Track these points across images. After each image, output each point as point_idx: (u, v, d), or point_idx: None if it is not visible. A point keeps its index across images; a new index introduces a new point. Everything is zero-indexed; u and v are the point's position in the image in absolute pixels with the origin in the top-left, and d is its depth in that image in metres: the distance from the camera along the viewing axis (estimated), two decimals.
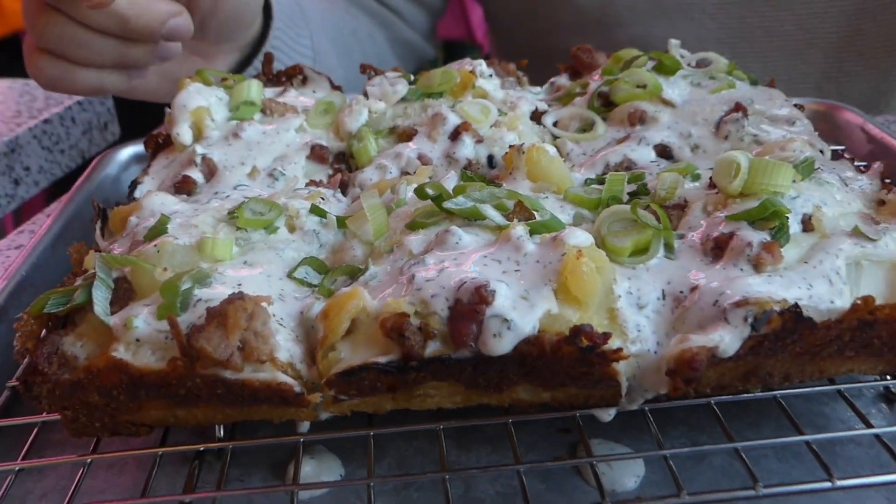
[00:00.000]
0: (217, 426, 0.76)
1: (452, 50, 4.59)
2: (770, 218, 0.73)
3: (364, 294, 0.69)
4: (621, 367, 0.66)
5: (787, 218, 0.72)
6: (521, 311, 0.66)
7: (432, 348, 0.66)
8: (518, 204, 0.79)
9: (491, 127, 1.01)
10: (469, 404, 0.73)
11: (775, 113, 1.02)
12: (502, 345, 0.65)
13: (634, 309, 0.70)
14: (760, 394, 0.76)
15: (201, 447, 0.75)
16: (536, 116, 1.07)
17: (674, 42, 1.13)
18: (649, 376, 0.68)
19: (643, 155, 0.96)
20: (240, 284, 0.72)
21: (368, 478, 0.69)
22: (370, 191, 0.82)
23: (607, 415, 0.73)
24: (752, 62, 1.59)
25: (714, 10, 1.59)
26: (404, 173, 0.95)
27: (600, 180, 0.91)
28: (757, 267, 0.70)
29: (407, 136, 1.01)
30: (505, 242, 0.72)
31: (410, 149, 0.98)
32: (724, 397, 0.75)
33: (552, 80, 1.16)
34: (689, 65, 1.12)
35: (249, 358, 0.65)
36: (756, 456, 0.76)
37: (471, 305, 0.65)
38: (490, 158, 0.98)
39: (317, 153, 1.00)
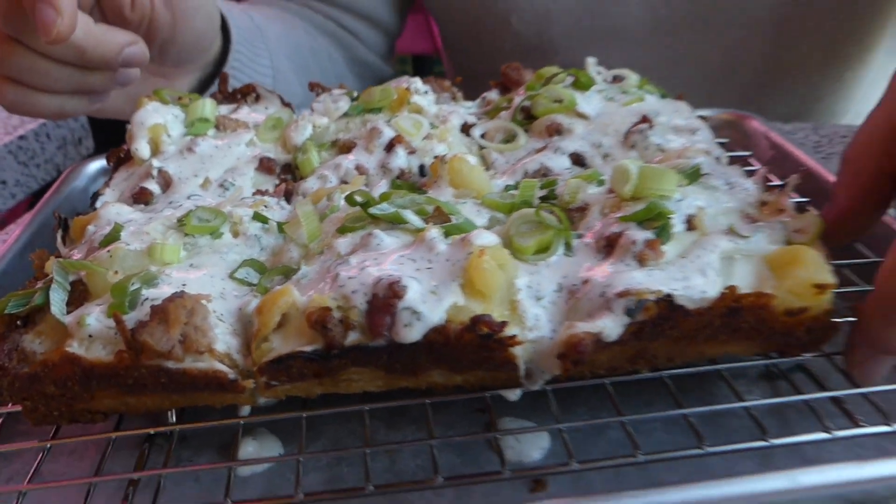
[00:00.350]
0: (170, 412, 0.80)
1: (420, 64, 4.65)
2: (655, 218, 0.77)
3: (294, 291, 0.73)
4: (518, 351, 0.71)
5: (670, 219, 0.77)
6: (430, 304, 0.70)
7: (352, 338, 0.70)
8: (436, 209, 0.83)
9: (423, 139, 1.05)
10: (392, 388, 0.77)
11: (679, 124, 1.07)
12: (412, 333, 0.69)
13: (533, 301, 0.75)
14: (652, 374, 0.80)
15: (152, 431, 0.78)
16: (466, 129, 1.12)
17: (590, 60, 1.18)
18: (545, 360, 0.73)
19: (558, 163, 1.00)
20: (184, 285, 0.75)
21: (298, 453, 0.73)
22: (305, 199, 0.86)
23: (513, 395, 0.78)
24: (680, 86, 1.64)
25: (643, 37, 1.64)
26: (343, 182, 0.99)
27: (517, 186, 0.95)
28: (641, 262, 0.75)
29: (347, 148, 1.05)
30: (420, 243, 0.76)
31: (349, 160, 1.02)
32: (618, 378, 0.80)
33: (483, 95, 1.20)
34: (605, 81, 1.17)
35: (189, 349, 0.69)
36: (648, 429, 0.81)
37: (385, 299, 0.69)
38: (421, 168, 1.02)
39: (265, 165, 1.04)
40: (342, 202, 0.88)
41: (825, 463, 0.68)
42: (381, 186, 0.95)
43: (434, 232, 0.77)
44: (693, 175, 0.86)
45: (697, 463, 0.74)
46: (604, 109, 1.09)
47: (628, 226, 0.78)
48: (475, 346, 0.69)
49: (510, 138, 1.08)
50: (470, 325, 0.68)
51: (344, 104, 1.12)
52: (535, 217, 0.81)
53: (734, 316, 0.72)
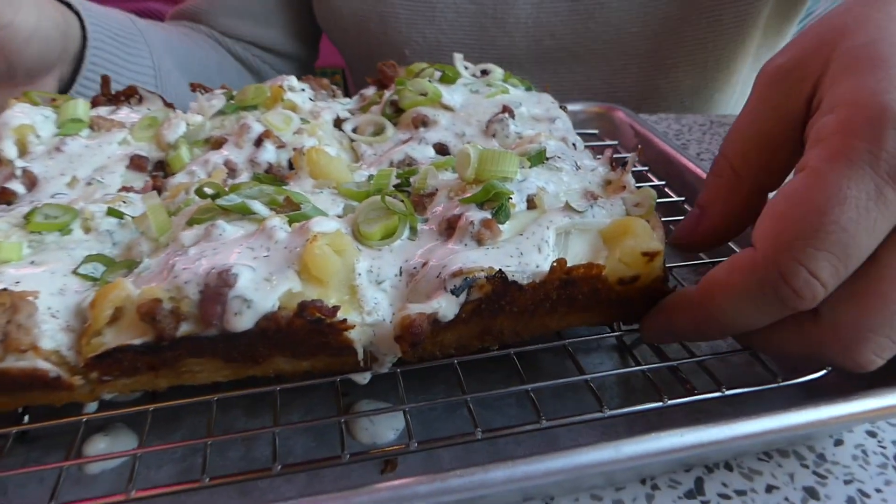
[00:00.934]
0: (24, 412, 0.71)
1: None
2: (494, 199, 0.72)
3: (127, 284, 0.65)
4: (354, 335, 0.64)
5: (509, 199, 0.71)
6: (262, 292, 0.62)
7: (185, 328, 0.62)
8: (287, 198, 0.76)
9: (294, 133, 0.97)
10: (240, 377, 0.70)
11: (539, 113, 1.02)
12: (243, 322, 0.61)
13: (373, 285, 0.68)
14: (501, 351, 0.75)
15: None
16: (339, 124, 1.04)
17: (458, 56, 1.11)
18: (385, 343, 0.66)
19: (423, 153, 0.94)
20: (18, 282, 0.66)
21: (139, 448, 0.65)
22: (151, 193, 0.78)
23: (363, 378, 0.71)
24: (576, 76, 1.59)
25: (530, 66, 1.59)
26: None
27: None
28: (479, 242, 0.69)
29: (218, 144, 0.97)
30: (261, 232, 0.69)
31: (219, 155, 0.94)
32: (467, 357, 0.74)
33: (360, 92, 1.13)
34: (473, 75, 1.11)
35: (10, 348, 0.60)
36: (501, 405, 0.76)
37: (216, 289, 0.62)
38: (290, 162, 0.95)
39: (136, 163, 0.95)
40: (196, 197, 0.80)
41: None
42: (244, 179, 0.87)
43: (276, 220, 0.69)
44: (537, 157, 0.81)
45: (544, 435, 0.69)
46: (468, 101, 1.03)
47: (468, 207, 0.72)
48: (308, 331, 0.62)
49: (379, 131, 1.02)
50: (298, 310, 0.61)
51: (219, 102, 1.03)
52: (382, 203, 0.74)
53: (568, 288, 0.66)
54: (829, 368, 0.71)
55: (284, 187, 0.84)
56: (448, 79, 1.06)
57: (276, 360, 0.68)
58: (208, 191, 0.76)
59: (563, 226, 0.70)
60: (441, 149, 0.96)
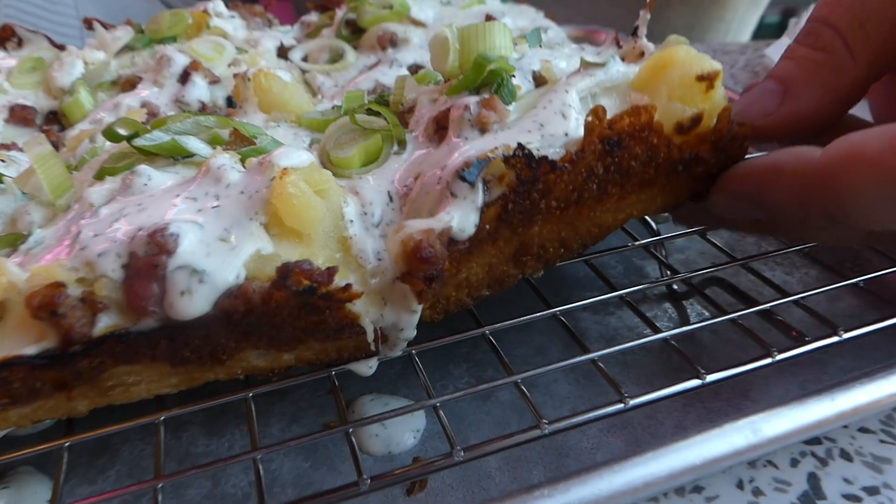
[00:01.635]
0: None
1: None
2: (490, 78, 0.53)
3: (7, 266, 0.43)
4: (360, 307, 0.45)
5: (510, 75, 0.53)
6: (218, 257, 0.42)
7: (105, 323, 0.42)
8: (234, 132, 0.55)
9: (229, 66, 0.76)
10: (195, 385, 0.50)
11: (525, 25, 0.84)
12: (195, 304, 0.41)
13: (372, 232, 0.49)
14: (540, 313, 0.57)
15: None
16: (283, 53, 0.83)
17: None
18: (396, 298, 0.47)
19: (396, 76, 0.74)
20: None
21: (52, 500, 0.44)
22: (37, 138, 0.55)
23: (367, 367, 0.52)
24: (556, 19, 1.41)
25: None
26: None
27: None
28: (482, 129, 0.50)
29: (130, 84, 0.75)
30: (205, 176, 0.48)
31: (133, 97, 0.72)
32: (499, 325, 0.55)
33: (302, 19, 0.92)
34: None
35: None
36: (546, 382, 0.58)
37: (148, 259, 0.41)
38: (230, 100, 0.74)
39: (18, 115, 0.72)
40: (107, 143, 0.58)
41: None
42: None
43: (223, 158, 0.49)
44: (534, 36, 0.65)
45: (620, 419, 0.52)
46: (441, 14, 0.84)
47: (459, 96, 0.53)
48: (294, 308, 0.43)
49: (337, 57, 0.81)
50: (279, 278, 0.41)
51: (125, 34, 0.80)
52: (354, 124, 0.54)
53: (616, 154, 0.48)
54: None
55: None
56: None
57: (245, 356, 0.48)
58: (122, 131, 0.54)
59: (585, 86, 0.52)
60: (417, 71, 0.76)
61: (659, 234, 0.68)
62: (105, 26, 0.87)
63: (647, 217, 0.71)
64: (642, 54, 0.59)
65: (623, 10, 1.41)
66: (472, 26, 0.57)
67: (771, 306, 0.55)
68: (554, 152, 0.48)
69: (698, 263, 0.71)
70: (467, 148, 0.49)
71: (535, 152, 0.47)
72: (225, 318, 0.42)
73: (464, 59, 0.56)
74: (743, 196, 0.53)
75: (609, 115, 0.49)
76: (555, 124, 0.50)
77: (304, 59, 0.82)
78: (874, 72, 0.54)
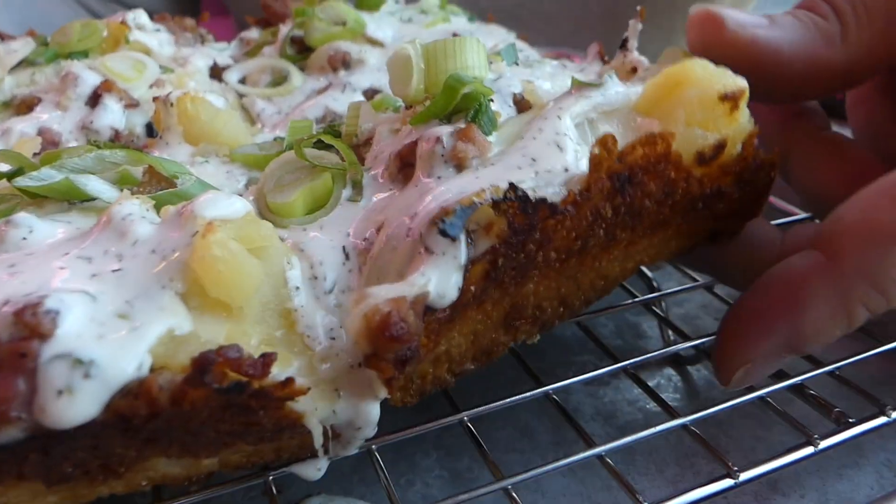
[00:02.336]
0: None
1: None
2: (465, 103, 0.44)
3: None
4: (305, 404, 0.34)
5: (488, 99, 0.45)
6: (114, 342, 0.32)
7: None
8: (150, 170, 0.45)
9: (150, 87, 0.65)
10: (85, 500, 0.38)
11: (496, 45, 0.75)
12: (78, 407, 0.30)
13: (323, 302, 0.38)
14: (529, 393, 0.47)
15: None
16: (217, 73, 0.73)
17: None
18: (356, 384, 0.37)
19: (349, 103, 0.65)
20: None
21: None
22: None
23: (315, 470, 0.41)
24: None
25: None
26: None
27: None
28: (459, 166, 0.41)
29: (27, 106, 0.63)
30: (105, 228, 0.38)
31: (28, 122, 0.60)
32: (479, 410, 0.45)
33: (241, 35, 0.81)
34: (396, 1, 0.82)
35: None
36: (544, 482, 0.48)
37: (13, 344, 0.30)
38: (150, 128, 0.63)
39: None
40: None
41: None
42: None
43: (130, 205, 0.38)
44: (509, 52, 0.59)
45: None
46: (401, 33, 0.75)
47: (427, 126, 0.44)
48: (217, 409, 0.32)
49: (280, 80, 0.71)
50: (195, 372, 0.31)
51: (23, 46, 0.69)
52: (301, 159, 0.44)
53: (628, 190, 0.40)
54: None
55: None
56: (368, 3, 0.77)
57: (152, 464, 0.37)
58: (2, 166, 0.43)
59: (580, 111, 0.44)
60: (373, 96, 0.66)
61: (658, 287, 0.60)
62: (2, 36, 0.75)
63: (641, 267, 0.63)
64: (635, 70, 0.52)
65: (590, 33, 1.34)
66: (439, 42, 0.48)
67: (802, 380, 0.47)
68: (553, 193, 0.39)
69: (701, 319, 0.63)
70: (443, 190, 0.39)
71: (530, 193, 0.38)
72: (120, 424, 0.31)
73: (430, 80, 0.47)
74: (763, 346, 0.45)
75: (618, 146, 0.41)
76: (550, 158, 0.41)
77: (242, 81, 0.72)
78: (857, 65, 0.50)
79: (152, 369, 0.32)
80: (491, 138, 0.44)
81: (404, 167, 0.44)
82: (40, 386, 0.30)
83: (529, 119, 0.45)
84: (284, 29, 0.75)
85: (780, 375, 0.48)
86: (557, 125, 0.43)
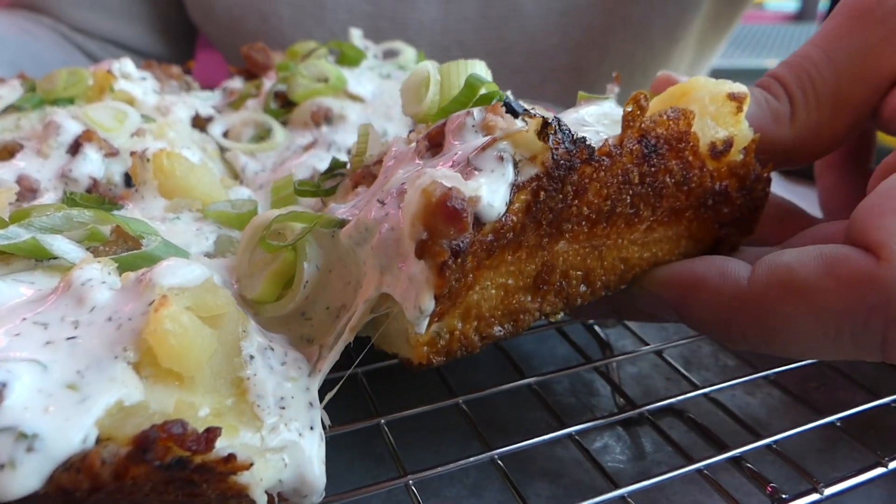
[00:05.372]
0: None
1: None
2: (483, 102, 0.46)
3: None
4: (251, 476, 0.34)
5: (507, 98, 0.45)
6: (60, 414, 0.32)
7: None
8: (116, 229, 0.45)
9: (132, 136, 0.66)
10: None
11: None
12: (19, 481, 0.30)
13: (278, 372, 0.39)
14: (478, 457, 0.47)
15: None
16: (200, 123, 0.73)
17: (355, 32, 0.84)
18: (303, 469, 0.37)
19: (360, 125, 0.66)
20: None
21: None
22: None
23: None
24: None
25: (432, 34, 1.32)
26: None
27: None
28: (489, 134, 0.42)
29: (9, 152, 0.63)
30: (64, 293, 0.38)
31: (8, 168, 0.60)
32: (427, 472, 0.45)
33: (224, 84, 0.82)
34: (374, 56, 0.83)
35: None
36: None
37: None
38: (128, 177, 0.63)
39: None
40: None
41: None
42: (47, 201, 0.55)
43: (91, 270, 0.38)
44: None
45: None
46: (381, 89, 0.75)
47: (450, 112, 0.46)
48: (159, 483, 0.32)
49: (263, 134, 0.72)
50: (136, 450, 0.31)
51: (10, 92, 0.69)
52: (264, 250, 0.44)
53: (654, 160, 0.43)
54: None
55: (116, 212, 0.53)
56: (349, 60, 0.78)
57: None
58: None
59: (594, 112, 0.48)
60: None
61: (609, 346, 0.60)
62: None
63: (595, 327, 0.64)
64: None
65: (556, 85, 1.36)
66: (451, 63, 0.50)
67: (742, 452, 0.47)
68: (591, 138, 0.42)
69: (652, 379, 0.63)
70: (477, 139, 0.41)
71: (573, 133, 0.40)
72: (62, 497, 0.31)
73: (444, 93, 0.49)
74: (662, 302, 0.49)
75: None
76: (587, 107, 0.46)
77: (225, 134, 0.72)
78: (803, 146, 0.52)
79: (97, 441, 0.32)
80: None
81: (433, 146, 0.45)
82: None
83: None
84: (268, 83, 0.76)
85: (721, 446, 0.48)
86: (576, 116, 0.47)
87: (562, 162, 0.39)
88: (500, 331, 0.45)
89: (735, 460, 0.47)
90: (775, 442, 0.49)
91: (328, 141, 0.69)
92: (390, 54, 0.84)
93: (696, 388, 0.55)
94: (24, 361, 0.33)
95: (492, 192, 0.37)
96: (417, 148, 0.44)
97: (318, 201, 0.53)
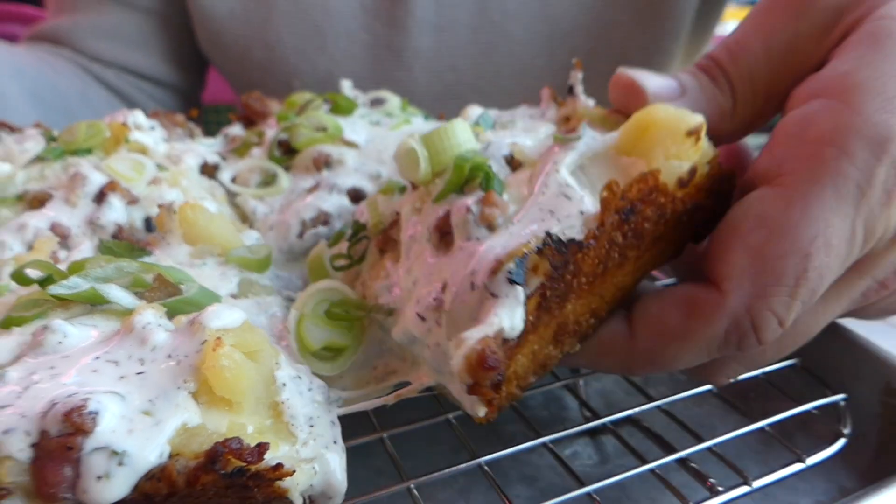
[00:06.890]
0: None
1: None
2: (473, 176, 0.54)
3: None
4: (290, 482, 0.43)
5: (489, 166, 0.54)
6: (141, 435, 0.39)
7: None
8: (158, 277, 0.53)
9: (148, 185, 0.73)
10: None
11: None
12: (113, 489, 0.38)
13: (306, 397, 0.47)
14: (465, 465, 0.55)
15: None
16: (208, 171, 0.81)
17: (346, 83, 0.93)
18: (329, 476, 0.45)
19: (337, 203, 0.74)
20: None
21: None
22: None
23: None
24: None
25: (429, 102, 1.41)
26: (31, 250, 0.64)
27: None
28: (490, 227, 0.51)
29: (39, 202, 0.70)
30: (127, 334, 0.45)
31: (41, 218, 0.67)
32: (423, 478, 0.54)
33: (225, 131, 0.90)
34: (364, 105, 0.92)
35: None
36: None
37: (61, 439, 0.38)
38: (147, 222, 0.70)
39: None
40: (13, 283, 0.54)
41: None
42: (85, 250, 0.62)
43: (148, 315, 0.46)
44: (486, 119, 0.70)
45: None
46: (372, 135, 0.84)
47: (450, 201, 0.54)
48: (222, 488, 0.40)
49: (269, 179, 0.80)
50: (207, 461, 0.39)
51: (35, 145, 0.76)
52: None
53: (632, 219, 0.50)
54: (847, 438, 0.60)
55: (148, 259, 0.60)
56: (342, 109, 0.86)
57: None
58: (33, 273, 0.51)
59: (570, 161, 0.53)
60: (356, 196, 0.76)
61: (579, 371, 0.69)
62: (11, 128, 0.82)
63: None
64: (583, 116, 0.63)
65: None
66: (433, 131, 0.58)
67: (688, 454, 0.57)
68: (576, 232, 0.49)
69: (615, 394, 0.73)
70: (489, 246, 0.49)
71: (561, 237, 0.48)
72: (145, 500, 0.39)
73: (434, 162, 0.57)
74: (582, 364, 0.60)
75: (602, 181, 0.51)
76: (564, 207, 0.51)
77: (233, 180, 0.80)
78: (738, 139, 0.59)
79: (170, 456, 0.40)
80: (504, 197, 0.53)
81: (443, 236, 0.54)
82: (83, 473, 0.38)
83: (528, 176, 0.55)
84: (270, 132, 0.84)
85: (671, 450, 0.58)
86: (558, 178, 0.52)
87: (558, 264, 0.47)
88: (534, 377, 0.53)
89: (682, 461, 0.57)
90: (715, 445, 0.58)
91: (330, 184, 0.77)
92: (377, 102, 0.93)
93: (652, 400, 0.64)
94: (107, 393, 0.40)
95: (510, 318, 0.45)
96: (430, 242, 0.53)
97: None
